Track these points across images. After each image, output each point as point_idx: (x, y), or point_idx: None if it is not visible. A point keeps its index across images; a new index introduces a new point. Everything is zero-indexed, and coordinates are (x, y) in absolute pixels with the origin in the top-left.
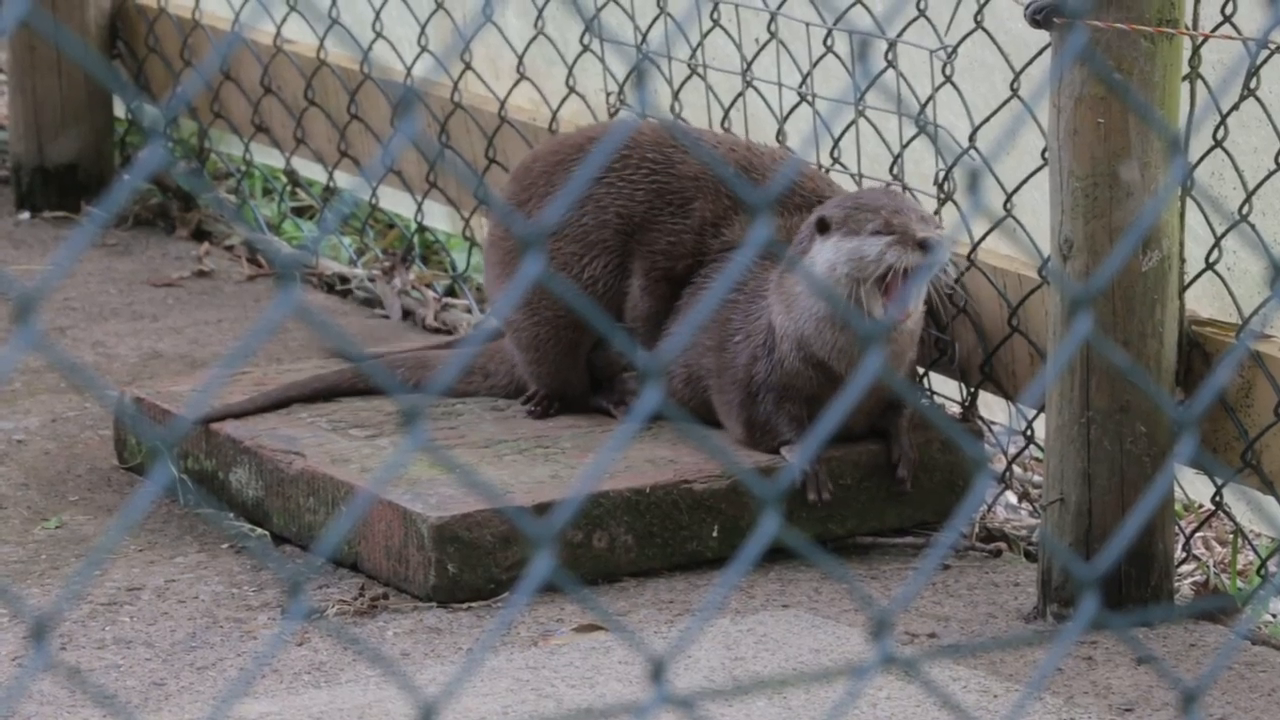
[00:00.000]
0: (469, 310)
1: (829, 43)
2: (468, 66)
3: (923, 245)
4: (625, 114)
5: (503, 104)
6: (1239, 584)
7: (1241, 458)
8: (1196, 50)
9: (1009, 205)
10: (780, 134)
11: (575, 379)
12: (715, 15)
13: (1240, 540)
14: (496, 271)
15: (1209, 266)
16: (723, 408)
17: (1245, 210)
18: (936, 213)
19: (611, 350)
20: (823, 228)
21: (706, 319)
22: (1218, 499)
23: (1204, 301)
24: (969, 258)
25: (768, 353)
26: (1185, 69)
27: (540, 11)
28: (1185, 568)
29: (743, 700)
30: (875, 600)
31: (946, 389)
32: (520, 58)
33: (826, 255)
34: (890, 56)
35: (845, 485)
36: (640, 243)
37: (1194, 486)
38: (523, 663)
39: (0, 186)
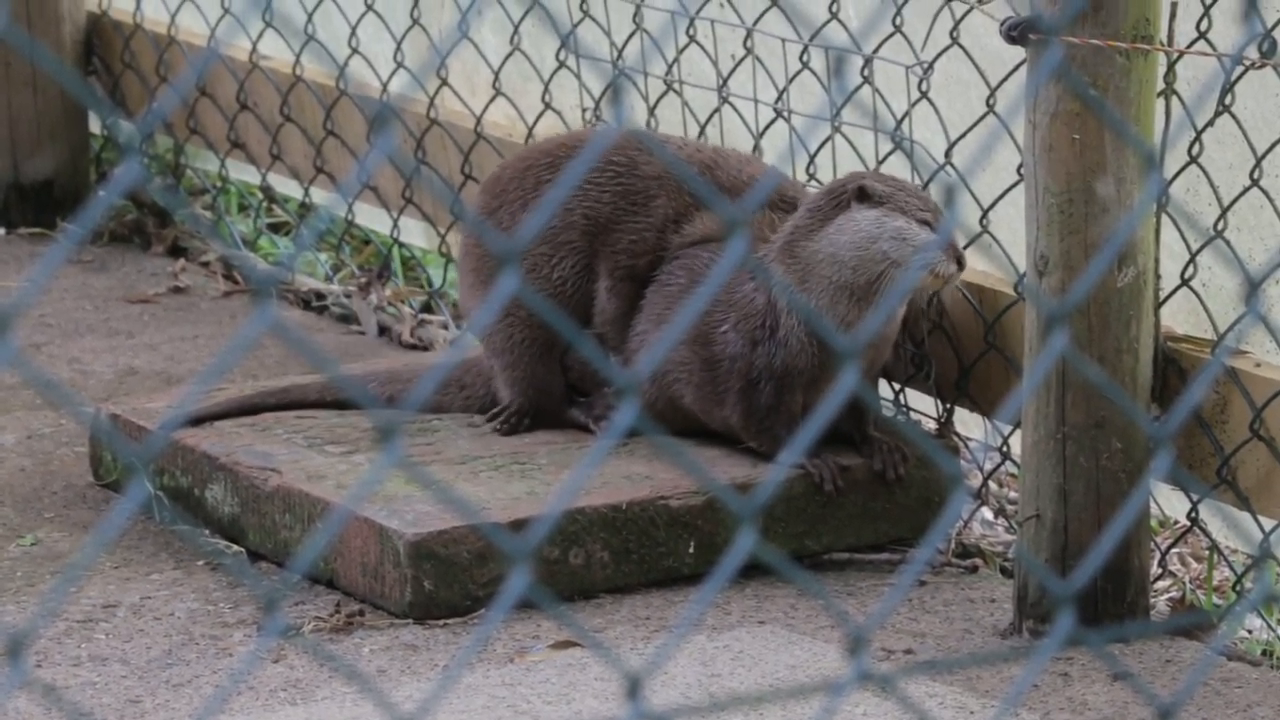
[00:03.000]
0: (445, 326)
1: (805, 59)
2: (444, 82)
3: (960, 262)
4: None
5: (479, 120)
6: (1215, 600)
7: (1217, 474)
8: (1172, 66)
9: (985, 221)
10: (756, 149)
11: (552, 385)
12: (691, 31)
13: (1216, 556)
14: (470, 280)
15: (1184, 282)
16: (711, 399)
17: (1220, 226)
18: None
19: (588, 362)
20: (863, 196)
21: (682, 332)
22: (1193, 515)
23: (1179, 317)
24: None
25: (769, 334)
26: (1160, 85)
27: (516, 28)
28: (1161, 584)
29: (719, 717)
30: (851, 617)
31: (922, 405)
32: (496, 74)
33: (865, 227)
34: (866, 72)
35: (820, 501)
36: (605, 244)
37: (1169, 502)
38: (499, 679)
39: None
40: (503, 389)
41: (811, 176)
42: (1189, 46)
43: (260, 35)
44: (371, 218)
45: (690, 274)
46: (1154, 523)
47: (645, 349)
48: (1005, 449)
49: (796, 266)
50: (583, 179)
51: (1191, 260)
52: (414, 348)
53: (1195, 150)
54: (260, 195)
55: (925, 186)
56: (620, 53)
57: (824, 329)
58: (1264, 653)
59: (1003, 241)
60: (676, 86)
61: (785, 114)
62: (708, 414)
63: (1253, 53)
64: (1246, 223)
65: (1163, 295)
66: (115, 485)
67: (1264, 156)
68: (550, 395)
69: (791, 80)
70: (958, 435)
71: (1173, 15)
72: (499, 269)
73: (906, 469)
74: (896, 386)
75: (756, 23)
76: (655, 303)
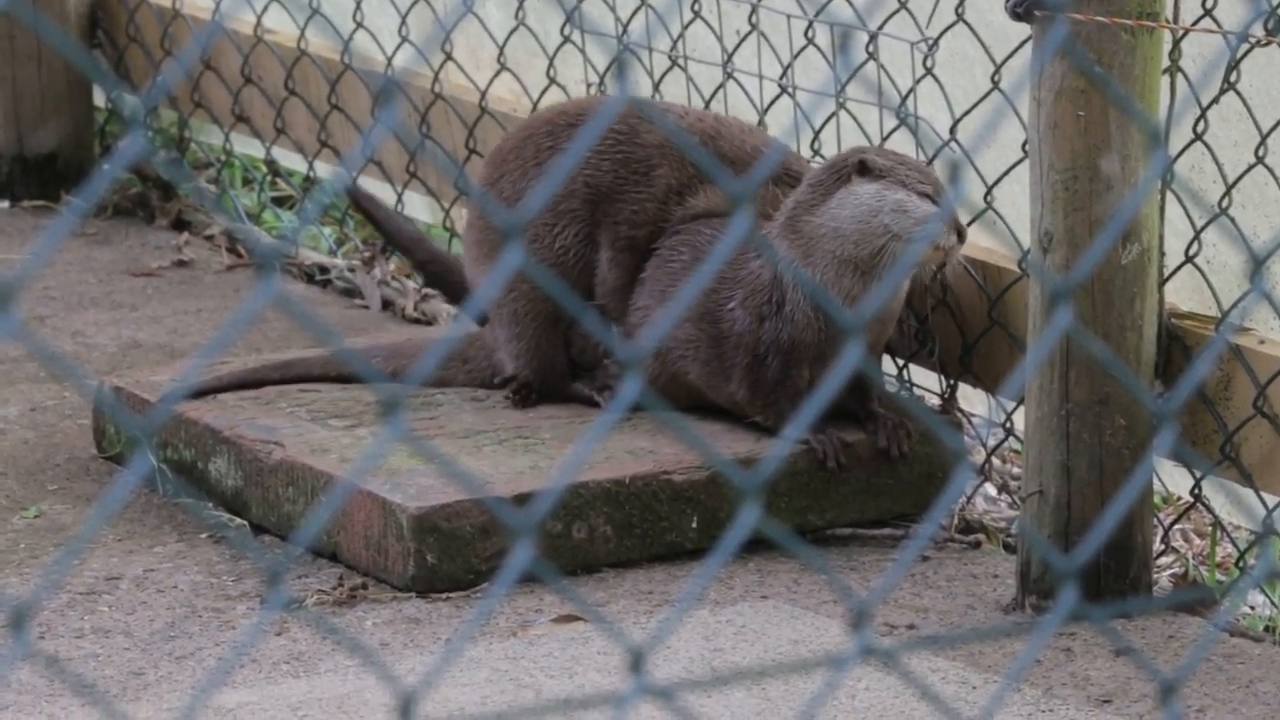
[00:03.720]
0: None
1: (810, 34)
2: (448, 57)
3: (960, 235)
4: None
5: (483, 95)
6: (1218, 576)
7: (1220, 450)
8: (1177, 44)
9: (989, 198)
10: (761, 125)
11: (555, 357)
12: (696, 7)
13: (1219, 533)
14: (474, 253)
15: (1189, 260)
16: (717, 375)
17: (1225, 203)
18: None
19: (591, 336)
20: (863, 170)
21: (686, 309)
22: (1197, 491)
23: (1183, 294)
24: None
25: (775, 310)
26: (1165, 62)
27: (521, 2)
28: (1164, 560)
29: (721, 691)
30: (854, 591)
31: (926, 381)
32: (501, 48)
33: (866, 200)
34: (871, 49)
35: (824, 476)
36: (606, 214)
37: (1173, 479)
38: (502, 653)
39: None
40: (507, 362)
41: (816, 152)
42: (1194, 24)
43: (265, 9)
44: (376, 191)
45: (693, 250)
46: (1157, 499)
47: (647, 324)
48: (1009, 425)
49: (800, 241)
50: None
51: (1196, 237)
52: (417, 322)
53: (1200, 128)
54: (264, 169)
55: (930, 163)
56: (625, 28)
57: (829, 304)
58: (1266, 629)
59: (1007, 218)
60: (681, 62)
61: (790, 90)
62: (714, 389)
63: (1258, 30)
64: (1251, 200)
65: (1167, 272)
66: (118, 458)
67: (1269, 134)
68: (554, 368)
69: (796, 56)
70: (961, 411)
71: None
72: (503, 242)
73: (910, 445)
74: (900, 362)
75: None
76: (657, 278)
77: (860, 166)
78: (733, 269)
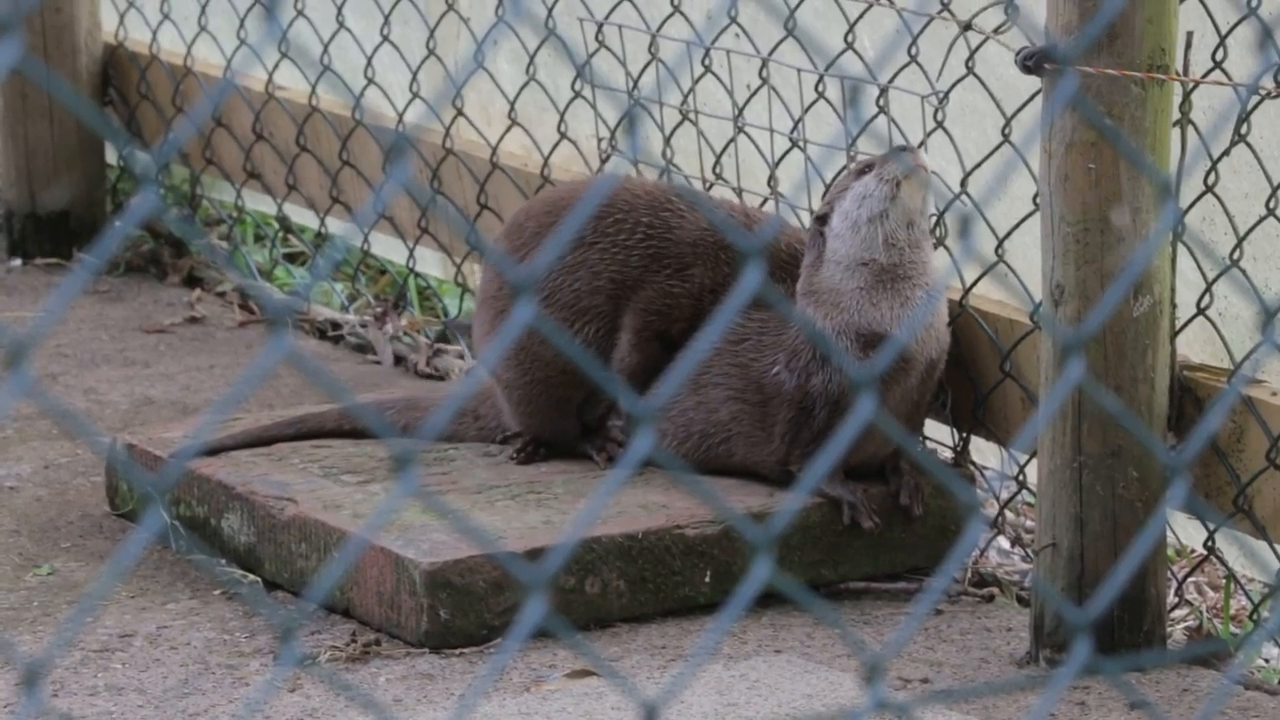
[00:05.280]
0: (461, 356)
1: (820, 88)
2: (460, 112)
3: (900, 150)
4: (617, 160)
5: (494, 150)
6: (1232, 629)
7: (1234, 503)
8: (1187, 96)
9: (1000, 251)
10: (772, 179)
11: (567, 428)
12: (707, 61)
13: (1233, 585)
14: (486, 329)
15: (1200, 312)
16: (761, 444)
17: (1236, 255)
18: None
19: (601, 405)
20: (823, 220)
21: (696, 368)
22: (1210, 544)
23: (1195, 346)
24: (960, 303)
25: (821, 364)
26: (1176, 114)
27: (532, 58)
28: (1178, 613)
29: None
30: (868, 645)
31: (938, 434)
32: (512, 104)
33: (841, 222)
34: (882, 102)
35: (836, 530)
36: (633, 301)
37: (1186, 531)
38: (515, 708)
39: None
40: (514, 424)
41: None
42: (1204, 76)
43: (276, 66)
44: (387, 247)
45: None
46: (1171, 552)
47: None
48: (1021, 478)
49: (825, 297)
50: (611, 241)
51: (1207, 289)
52: (430, 377)
53: (1211, 180)
54: (276, 225)
55: (941, 216)
56: (636, 83)
57: (842, 359)
58: None
59: (1018, 271)
60: (692, 116)
61: (801, 144)
62: (757, 461)
63: (1268, 82)
64: (1262, 252)
65: (1179, 324)
66: (131, 515)
67: None
68: (565, 435)
69: (807, 110)
70: (974, 464)
71: (1188, 45)
72: (516, 301)
73: (925, 504)
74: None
75: (772, 53)
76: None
77: (820, 219)
78: (774, 336)
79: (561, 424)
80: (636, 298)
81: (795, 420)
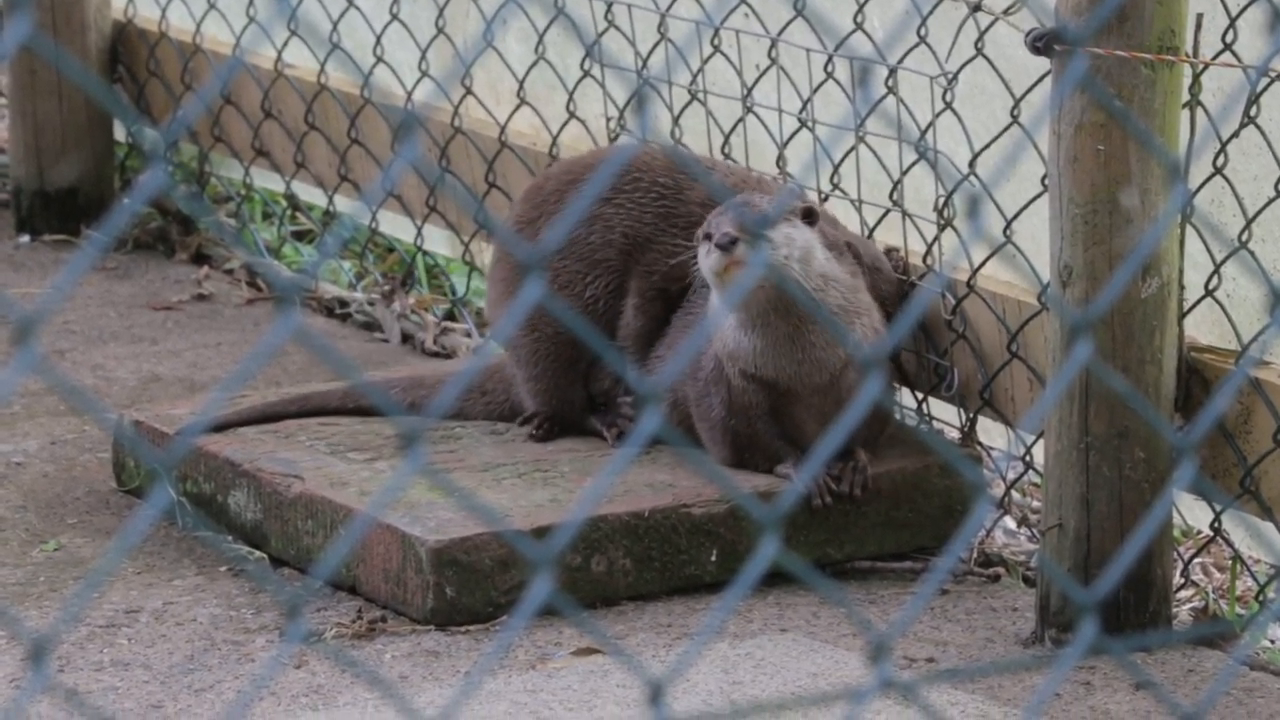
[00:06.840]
0: (468, 334)
1: (829, 69)
2: (468, 91)
3: (721, 246)
4: (626, 139)
5: (503, 129)
6: (1238, 609)
7: (1240, 484)
8: (1197, 78)
9: (1009, 231)
10: (780, 159)
11: (574, 396)
12: (716, 41)
13: (1239, 566)
14: (499, 289)
15: (1208, 293)
16: (706, 434)
17: (1245, 237)
18: (936, 239)
19: (608, 374)
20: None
21: (697, 349)
22: (1216, 525)
23: (1203, 328)
24: (969, 284)
25: (719, 380)
26: (1185, 96)
27: (541, 37)
28: (1184, 593)
29: None
30: (873, 624)
31: (945, 414)
32: (521, 83)
33: (704, 280)
34: (891, 83)
35: (843, 510)
36: (640, 262)
37: (1192, 512)
38: (520, 686)
39: (0, 210)
40: (526, 400)
41: (835, 186)
42: (1214, 58)
43: (285, 43)
44: (395, 226)
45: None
46: (1177, 532)
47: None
48: (1028, 458)
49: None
50: (627, 199)
51: (1216, 271)
52: (437, 355)
53: (1220, 161)
54: (284, 203)
55: (949, 197)
56: (645, 62)
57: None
58: None
59: (1026, 252)
60: (701, 96)
61: (809, 124)
62: (708, 443)
63: (1278, 64)
64: (1271, 234)
65: (1187, 306)
66: (138, 491)
67: None
68: (572, 406)
69: (816, 90)
70: (981, 444)
71: (1198, 26)
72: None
73: (865, 491)
74: (920, 395)
75: (781, 33)
76: (677, 328)
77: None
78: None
79: (568, 389)
80: (643, 260)
81: (723, 427)
